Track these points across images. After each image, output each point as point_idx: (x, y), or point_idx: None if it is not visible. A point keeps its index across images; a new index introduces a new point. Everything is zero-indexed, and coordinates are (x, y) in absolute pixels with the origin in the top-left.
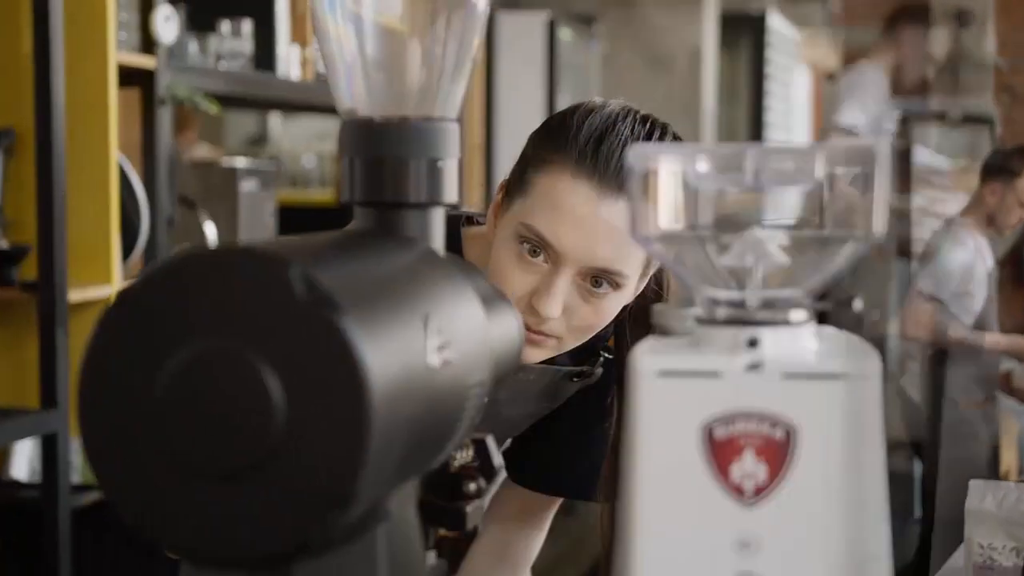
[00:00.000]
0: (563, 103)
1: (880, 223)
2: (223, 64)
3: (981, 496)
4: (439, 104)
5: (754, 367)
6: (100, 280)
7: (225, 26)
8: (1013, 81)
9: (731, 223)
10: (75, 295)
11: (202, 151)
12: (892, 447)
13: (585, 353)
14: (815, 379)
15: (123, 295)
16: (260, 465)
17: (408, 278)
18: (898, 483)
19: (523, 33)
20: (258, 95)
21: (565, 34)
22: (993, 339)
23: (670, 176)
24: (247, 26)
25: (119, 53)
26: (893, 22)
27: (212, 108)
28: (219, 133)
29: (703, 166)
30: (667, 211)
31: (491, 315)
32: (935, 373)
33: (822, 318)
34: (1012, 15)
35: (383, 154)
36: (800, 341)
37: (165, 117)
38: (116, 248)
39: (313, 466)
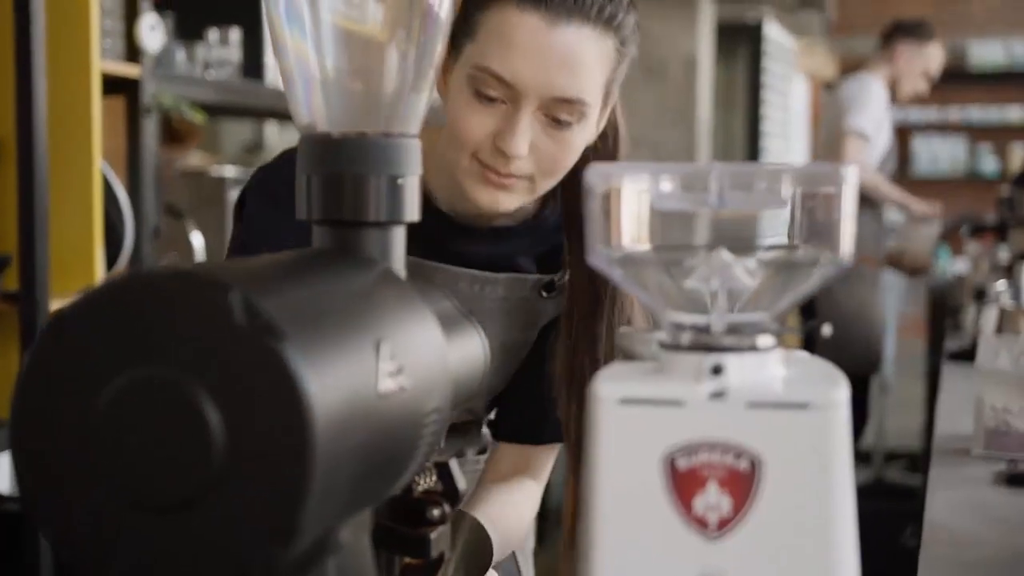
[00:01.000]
0: None
1: (848, 247)
2: (211, 72)
3: (994, 353)
4: (399, 119)
5: (718, 395)
6: (83, 290)
7: (213, 34)
8: None
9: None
10: (57, 305)
11: (196, 159)
12: None
13: (550, 263)
14: (781, 409)
15: (59, 318)
16: (199, 497)
17: (361, 301)
18: None
19: None
20: (246, 104)
21: None
22: (890, 187)
23: (632, 196)
24: (235, 34)
25: (103, 61)
26: (889, 38)
27: (197, 117)
28: (215, 141)
29: (666, 186)
30: (629, 231)
31: (451, 337)
32: None
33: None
34: None
35: (341, 171)
36: (766, 368)
37: (150, 126)
38: (100, 258)
39: (254, 499)
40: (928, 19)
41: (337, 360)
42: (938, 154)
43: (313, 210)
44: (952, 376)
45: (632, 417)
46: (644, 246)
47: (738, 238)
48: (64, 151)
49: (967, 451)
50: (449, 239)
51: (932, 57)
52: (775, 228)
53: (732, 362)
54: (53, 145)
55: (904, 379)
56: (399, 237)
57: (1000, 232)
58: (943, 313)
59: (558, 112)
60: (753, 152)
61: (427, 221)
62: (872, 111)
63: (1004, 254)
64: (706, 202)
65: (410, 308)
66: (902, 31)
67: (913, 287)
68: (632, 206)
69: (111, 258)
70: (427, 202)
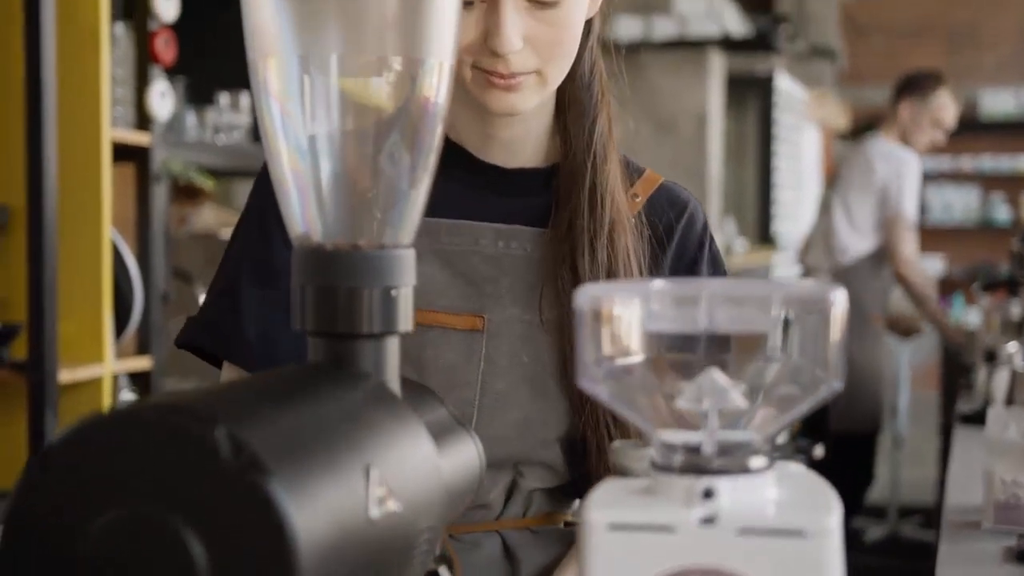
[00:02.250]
0: None
1: (837, 372)
2: (220, 137)
3: (1003, 424)
4: (393, 229)
5: (709, 521)
6: (92, 359)
7: (224, 98)
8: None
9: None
10: (66, 375)
11: (209, 214)
12: None
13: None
14: (773, 536)
15: (45, 453)
16: None
17: (351, 424)
18: None
19: None
20: (255, 168)
21: None
22: (932, 295)
23: (621, 316)
24: (245, 99)
25: (114, 130)
26: (895, 95)
27: (207, 184)
28: (227, 194)
29: (656, 306)
30: (618, 352)
31: (445, 448)
32: (845, 281)
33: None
34: None
35: (335, 283)
36: (759, 490)
37: (160, 193)
38: (108, 326)
39: None
40: (938, 68)
41: (325, 491)
42: (951, 203)
43: (307, 321)
44: (963, 442)
45: (622, 543)
46: (634, 366)
47: (729, 358)
48: (74, 219)
49: (978, 524)
50: (477, 187)
51: (939, 107)
52: (766, 348)
53: (724, 485)
54: (63, 213)
55: (919, 430)
56: (393, 348)
57: (1012, 287)
58: (956, 370)
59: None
60: (765, 204)
61: (455, 171)
62: (913, 189)
63: (1016, 309)
64: (696, 322)
65: (402, 425)
66: (905, 87)
67: (927, 339)
68: (621, 327)
69: (120, 325)
70: (456, 148)
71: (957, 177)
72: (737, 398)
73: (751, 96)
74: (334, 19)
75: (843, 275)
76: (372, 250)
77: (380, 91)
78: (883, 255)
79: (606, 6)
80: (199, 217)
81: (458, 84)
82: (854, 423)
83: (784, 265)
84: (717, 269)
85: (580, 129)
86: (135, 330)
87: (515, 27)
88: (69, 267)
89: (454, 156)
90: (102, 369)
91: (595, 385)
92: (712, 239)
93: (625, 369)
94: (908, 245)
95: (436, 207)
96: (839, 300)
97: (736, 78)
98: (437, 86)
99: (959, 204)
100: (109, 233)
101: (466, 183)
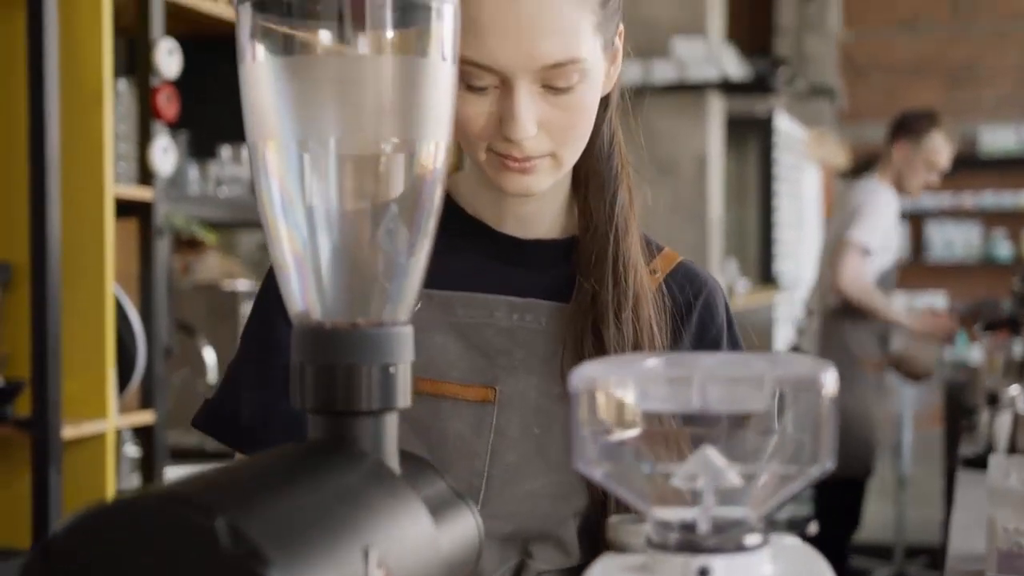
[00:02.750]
0: None
1: (829, 453)
2: (223, 190)
3: (1004, 472)
4: (392, 306)
5: None
6: (95, 415)
7: (225, 151)
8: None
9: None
10: (69, 431)
11: (213, 262)
12: None
13: None
14: None
15: (47, 543)
16: None
17: (349, 506)
18: None
19: None
20: (257, 220)
21: None
22: (886, 304)
23: (616, 395)
24: (247, 152)
25: (117, 186)
26: (889, 137)
27: (210, 238)
28: (230, 242)
29: (650, 386)
30: (613, 430)
31: (443, 523)
32: (833, 326)
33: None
34: None
35: (334, 361)
36: (754, 568)
37: (162, 247)
38: (112, 382)
39: None
40: (934, 108)
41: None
42: (952, 240)
43: (306, 399)
44: (966, 486)
45: None
46: (628, 445)
47: (724, 435)
48: (77, 275)
49: (981, 573)
50: (494, 259)
51: (933, 149)
52: (760, 427)
53: (719, 564)
54: (66, 270)
55: (925, 469)
56: (391, 424)
57: (1014, 327)
58: (958, 410)
59: (554, 80)
60: (766, 244)
61: (472, 244)
62: (879, 222)
63: (1019, 348)
64: (690, 401)
65: (400, 503)
66: (898, 128)
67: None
68: (616, 406)
69: (123, 380)
70: (473, 221)
71: (958, 214)
72: (732, 476)
73: (751, 136)
74: (332, 103)
75: (831, 317)
76: (370, 328)
77: (378, 172)
78: None
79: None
80: (203, 265)
81: (473, 162)
82: (845, 469)
83: (786, 305)
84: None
85: (601, 202)
86: (138, 384)
87: (529, 113)
88: (72, 323)
89: (471, 229)
90: (105, 424)
91: (590, 465)
92: (732, 321)
93: (620, 448)
94: (849, 268)
95: (452, 280)
96: (829, 381)
97: (736, 119)
98: (434, 165)
99: (960, 241)
100: (112, 289)
101: (483, 255)
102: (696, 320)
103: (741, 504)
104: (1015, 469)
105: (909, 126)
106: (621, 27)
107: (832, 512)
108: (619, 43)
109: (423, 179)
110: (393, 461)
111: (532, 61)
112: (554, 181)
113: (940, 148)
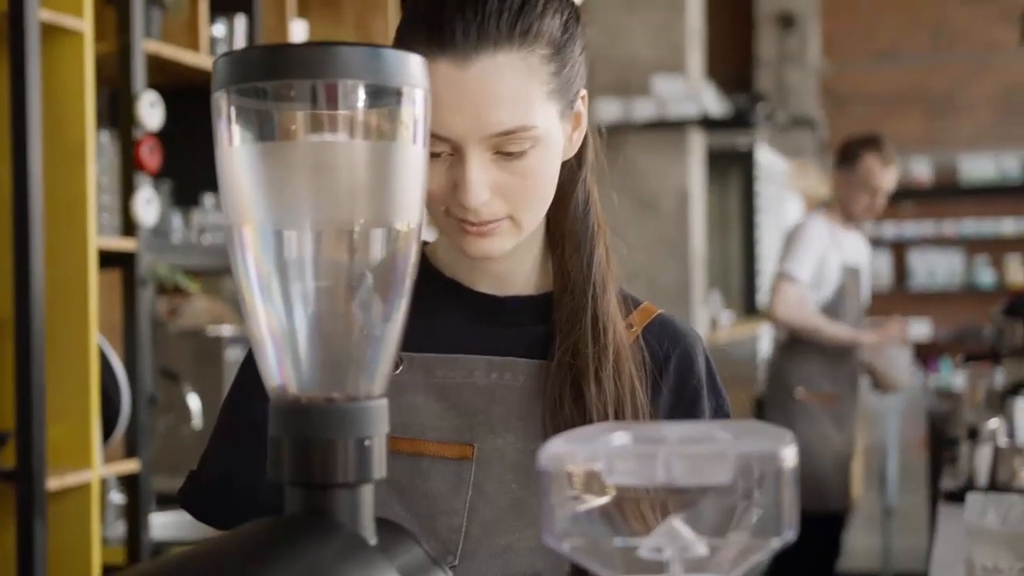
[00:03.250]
0: None
1: (790, 525)
2: (206, 237)
3: (981, 511)
4: (366, 381)
5: None
6: (80, 465)
7: (208, 199)
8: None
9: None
10: (54, 482)
11: (200, 305)
12: None
13: None
14: None
15: None
16: None
17: None
18: None
19: None
20: None
21: None
22: (827, 324)
23: (583, 471)
24: None
25: (100, 237)
26: (833, 166)
27: (192, 287)
28: (216, 288)
29: (616, 462)
30: (581, 504)
31: None
32: (779, 364)
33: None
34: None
35: (311, 435)
36: None
37: (146, 297)
38: (96, 432)
39: None
40: (918, 135)
41: None
42: (935, 268)
43: (284, 473)
44: (948, 521)
45: None
46: (595, 518)
47: (689, 507)
48: (61, 327)
49: None
50: (471, 318)
51: (867, 171)
52: (723, 499)
53: None
54: (50, 321)
55: (911, 497)
56: (367, 495)
57: (995, 357)
58: (941, 440)
59: (506, 146)
60: (749, 275)
61: (449, 305)
62: (808, 252)
63: (1000, 378)
64: (655, 475)
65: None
66: (836, 157)
67: (912, 408)
68: (583, 481)
69: (108, 429)
70: (449, 283)
71: (940, 242)
72: (698, 546)
73: (732, 170)
74: (306, 188)
75: (778, 354)
76: (346, 402)
77: (352, 252)
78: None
79: (596, 138)
80: (191, 308)
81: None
82: (819, 504)
83: (770, 336)
84: (720, 404)
85: (578, 262)
86: (123, 433)
87: (481, 180)
88: (57, 374)
89: (449, 291)
90: (90, 474)
91: (559, 540)
92: (713, 373)
93: (587, 520)
94: (780, 298)
95: (432, 342)
96: (788, 455)
97: (717, 153)
98: (408, 243)
99: (943, 268)
100: (96, 339)
101: (461, 316)
102: (674, 373)
103: (708, 573)
104: (992, 507)
105: (844, 153)
106: (583, 92)
107: (814, 545)
108: (582, 107)
109: (396, 256)
110: (369, 532)
111: (482, 129)
112: (516, 243)
113: (875, 170)
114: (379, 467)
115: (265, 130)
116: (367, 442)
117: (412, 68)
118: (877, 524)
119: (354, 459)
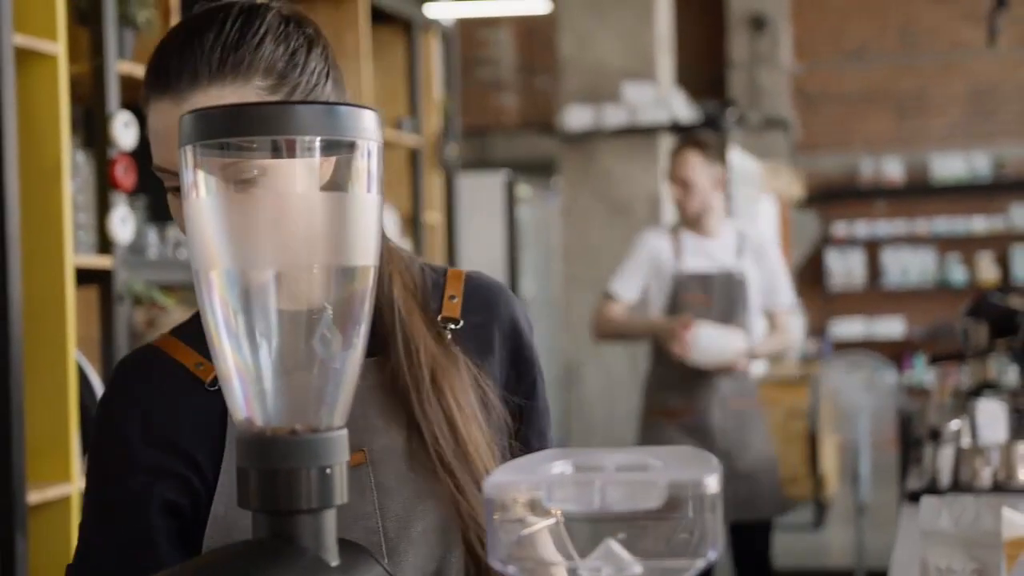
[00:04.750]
0: (524, 256)
1: (713, 545)
2: (182, 252)
3: (936, 513)
4: (328, 413)
5: None
6: (59, 479)
7: None
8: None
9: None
10: (34, 496)
11: (177, 316)
12: None
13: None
14: None
15: None
16: None
17: None
18: None
19: (483, 192)
20: None
21: (524, 190)
22: (631, 318)
23: (524, 500)
24: None
25: (77, 255)
26: None
27: (168, 303)
28: (191, 299)
29: (556, 491)
30: (522, 529)
31: None
32: (644, 387)
33: None
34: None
35: (276, 466)
36: None
37: (123, 313)
38: (75, 446)
39: None
40: (889, 134)
41: None
42: (908, 266)
43: (251, 501)
44: (910, 521)
45: None
46: (537, 542)
47: (624, 529)
48: (39, 344)
49: None
50: None
51: (672, 165)
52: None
53: None
54: (28, 338)
55: (883, 494)
56: (330, 520)
57: (962, 358)
58: (910, 438)
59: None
60: None
61: None
62: (628, 265)
63: (966, 379)
64: (592, 502)
65: None
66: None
67: (885, 406)
68: (524, 509)
69: (86, 443)
70: None
71: (913, 240)
72: (633, 566)
73: None
74: (269, 235)
75: (644, 378)
76: (308, 434)
77: (312, 292)
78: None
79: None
80: (168, 319)
81: None
82: (763, 512)
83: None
84: (531, 358)
85: (380, 289)
86: None
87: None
88: (35, 390)
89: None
90: (70, 488)
91: (504, 563)
92: (526, 320)
93: (530, 544)
94: (600, 313)
95: None
96: (711, 483)
97: None
98: (364, 281)
99: (916, 267)
100: (74, 355)
101: None
102: (500, 341)
103: None
104: (946, 509)
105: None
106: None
107: (748, 551)
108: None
109: (353, 295)
110: (332, 554)
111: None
112: None
113: (681, 162)
114: (340, 493)
115: (228, 182)
116: (328, 470)
117: (365, 123)
118: (851, 521)
119: (316, 486)
